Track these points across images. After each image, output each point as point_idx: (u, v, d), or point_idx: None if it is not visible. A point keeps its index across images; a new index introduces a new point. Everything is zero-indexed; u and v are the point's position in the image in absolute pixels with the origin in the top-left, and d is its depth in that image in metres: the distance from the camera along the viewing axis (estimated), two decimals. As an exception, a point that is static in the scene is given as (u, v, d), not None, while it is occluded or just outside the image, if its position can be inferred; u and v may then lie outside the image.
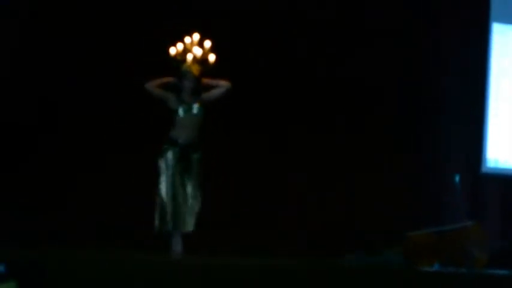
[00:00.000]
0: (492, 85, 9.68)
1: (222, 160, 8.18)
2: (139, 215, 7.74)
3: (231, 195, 8.46)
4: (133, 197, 8.05)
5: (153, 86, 7.44)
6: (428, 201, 9.22)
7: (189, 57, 7.41)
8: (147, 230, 7.37)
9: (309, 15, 9.10)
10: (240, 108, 8.57)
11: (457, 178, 8.12)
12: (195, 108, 7.39)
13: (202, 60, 7.45)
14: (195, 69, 7.42)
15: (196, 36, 7.51)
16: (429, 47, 9.53)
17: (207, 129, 7.46)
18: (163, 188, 7.28)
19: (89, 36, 8.40)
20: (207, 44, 7.50)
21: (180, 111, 7.36)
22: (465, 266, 7.30)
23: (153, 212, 7.33)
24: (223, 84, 7.47)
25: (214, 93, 7.47)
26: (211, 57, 7.49)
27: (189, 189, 7.33)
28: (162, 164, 7.32)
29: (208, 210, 7.39)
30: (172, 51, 7.47)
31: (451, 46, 9.62)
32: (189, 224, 7.31)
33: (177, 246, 7.30)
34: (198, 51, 7.45)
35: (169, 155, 7.32)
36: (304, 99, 9.05)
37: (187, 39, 7.50)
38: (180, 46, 7.48)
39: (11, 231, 7.36)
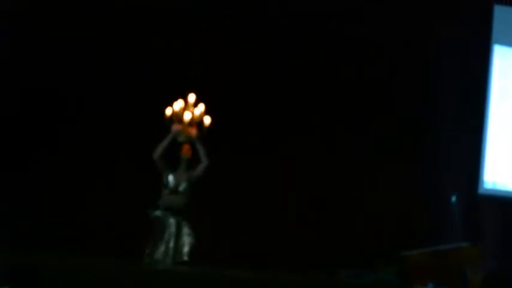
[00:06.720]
0: (492, 107, 9.69)
1: (222, 174, 8.16)
2: (137, 223, 7.75)
3: (228, 210, 8.45)
4: (129, 205, 8.05)
5: (157, 156, 7.44)
6: (424, 221, 9.22)
7: (185, 118, 7.37)
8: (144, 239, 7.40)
9: (311, 26, 9.16)
10: (237, 119, 8.59)
11: (454, 199, 8.11)
12: (182, 186, 7.40)
13: (197, 123, 7.44)
14: (191, 132, 7.40)
15: (192, 98, 7.46)
16: (431, 68, 9.54)
17: (208, 142, 7.47)
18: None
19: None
20: (201, 107, 7.47)
21: (166, 190, 7.38)
22: (459, 287, 7.28)
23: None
24: (204, 160, 7.45)
25: (198, 171, 7.47)
26: (206, 120, 7.47)
27: (184, 228, 7.38)
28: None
29: (207, 224, 7.41)
30: (168, 112, 7.43)
31: (452, 67, 9.63)
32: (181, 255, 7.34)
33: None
34: (192, 114, 7.42)
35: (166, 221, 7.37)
36: (302, 110, 9.08)
37: (181, 103, 7.47)
38: (176, 106, 7.44)
39: (4, 235, 7.35)
